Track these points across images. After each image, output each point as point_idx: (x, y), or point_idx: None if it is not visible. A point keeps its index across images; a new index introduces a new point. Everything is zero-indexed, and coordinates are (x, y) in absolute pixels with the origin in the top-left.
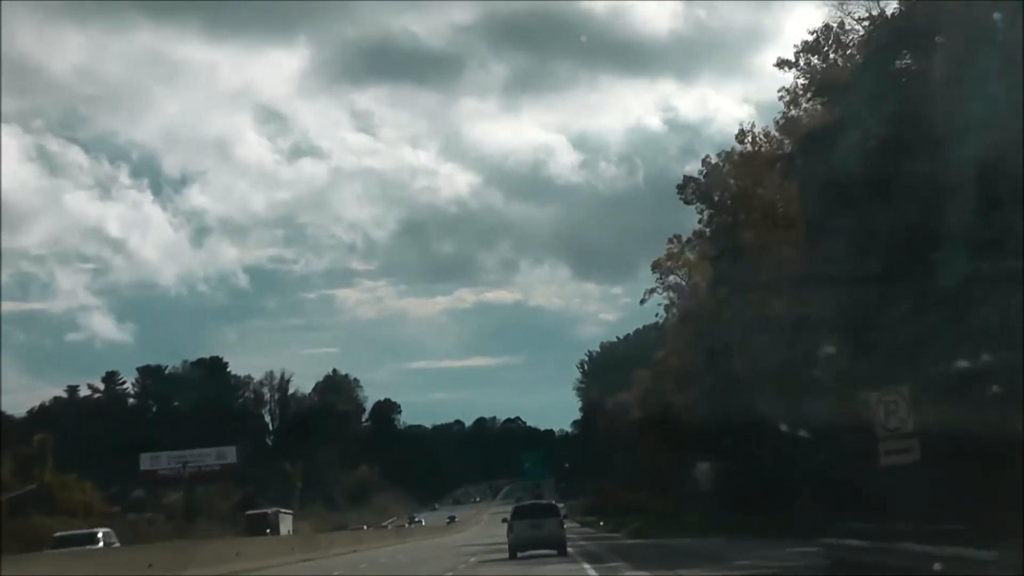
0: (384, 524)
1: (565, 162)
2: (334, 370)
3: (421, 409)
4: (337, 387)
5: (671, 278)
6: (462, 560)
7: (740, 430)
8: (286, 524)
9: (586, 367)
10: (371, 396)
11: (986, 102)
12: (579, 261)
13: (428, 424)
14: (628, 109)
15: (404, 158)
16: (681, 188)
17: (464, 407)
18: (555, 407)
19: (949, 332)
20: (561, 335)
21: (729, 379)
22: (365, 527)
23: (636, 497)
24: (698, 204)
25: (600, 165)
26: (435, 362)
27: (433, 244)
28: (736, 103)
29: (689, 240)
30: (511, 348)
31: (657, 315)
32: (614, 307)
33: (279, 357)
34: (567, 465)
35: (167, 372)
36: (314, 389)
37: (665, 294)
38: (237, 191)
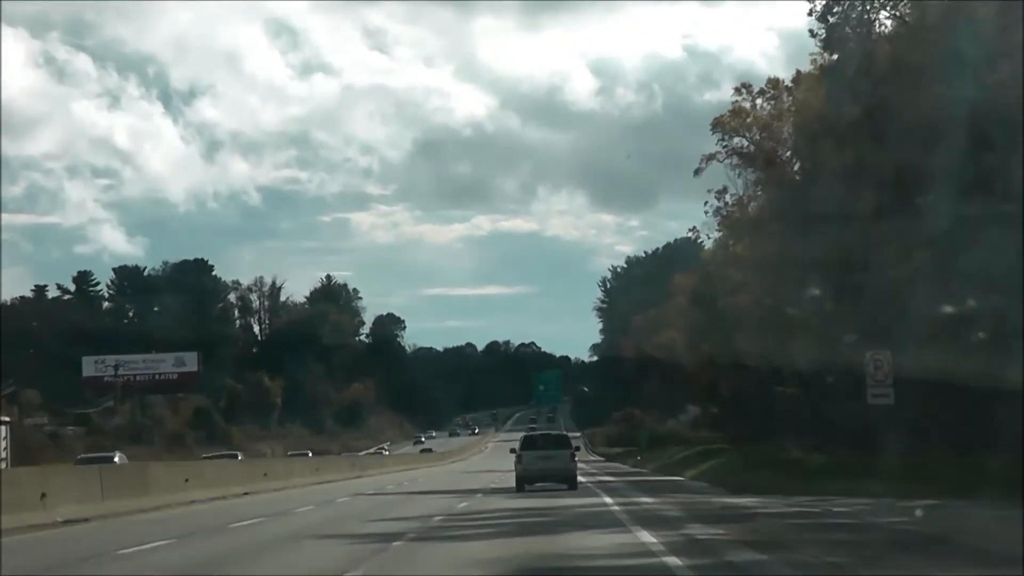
0: (364, 452)
1: (583, 87)
2: (328, 276)
3: (435, 336)
4: (333, 296)
5: (736, 141)
6: None
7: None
8: None
9: (608, 285)
10: (372, 310)
11: (979, 43)
12: (597, 189)
13: (439, 347)
14: (647, 33)
15: (418, 78)
16: None
17: (478, 335)
18: (571, 337)
19: (935, 275)
20: (577, 266)
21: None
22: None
23: (674, 425)
24: None
25: (618, 91)
26: (450, 289)
27: (450, 168)
28: (762, 31)
29: (762, 91)
30: (527, 278)
31: (706, 203)
32: (631, 239)
33: (292, 280)
34: (586, 389)
35: (146, 273)
36: (308, 298)
37: (727, 161)
38: (248, 106)
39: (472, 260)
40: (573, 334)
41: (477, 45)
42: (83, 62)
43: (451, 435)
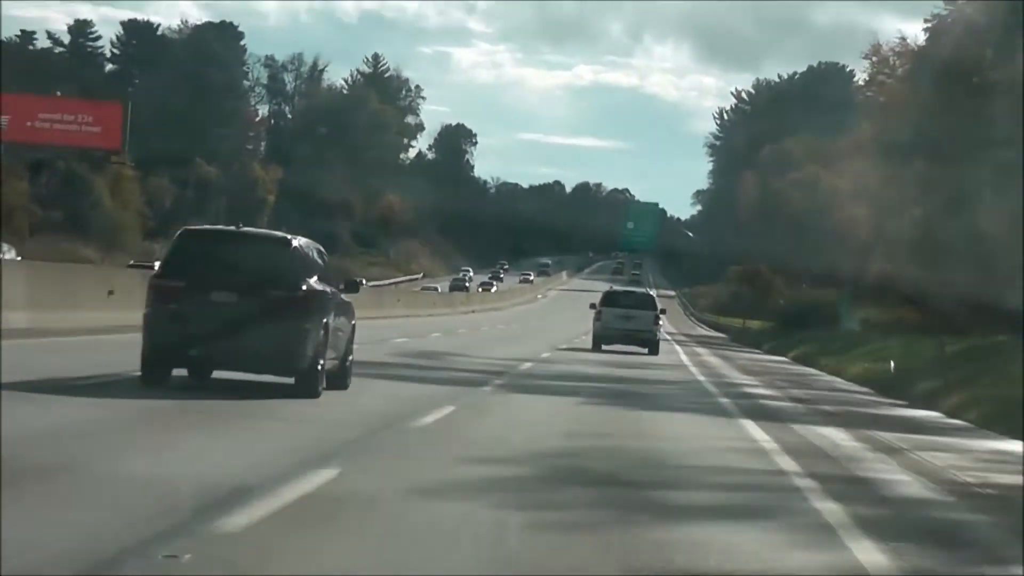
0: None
1: None
2: (375, 54)
3: (525, 179)
4: (381, 84)
5: None
6: None
7: None
8: None
9: (726, 116)
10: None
11: None
12: (701, 43)
13: (524, 184)
14: None
15: None
16: None
17: (569, 181)
18: (670, 191)
19: None
20: (677, 126)
21: None
22: None
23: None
24: None
25: None
26: (545, 136)
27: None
28: None
29: None
30: (624, 132)
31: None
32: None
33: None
34: (691, 234)
35: (159, 32)
36: (347, 83)
37: None
38: None
39: (570, 109)
40: (672, 190)
41: None
42: None
43: (491, 279)
